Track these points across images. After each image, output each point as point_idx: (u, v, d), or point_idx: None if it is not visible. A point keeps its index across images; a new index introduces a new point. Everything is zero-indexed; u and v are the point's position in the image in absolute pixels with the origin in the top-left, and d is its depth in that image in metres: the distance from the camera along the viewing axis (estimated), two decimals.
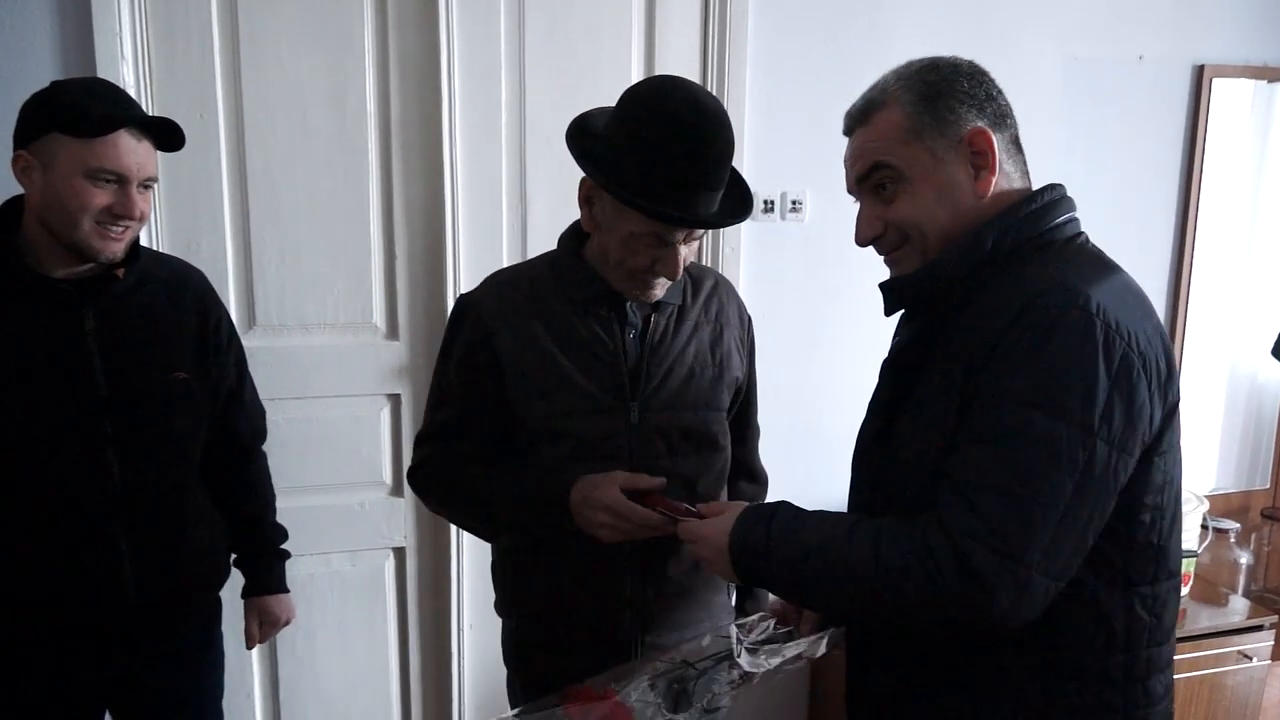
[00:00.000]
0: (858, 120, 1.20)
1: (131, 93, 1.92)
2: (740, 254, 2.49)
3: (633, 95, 1.37)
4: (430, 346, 2.27)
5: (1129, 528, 1.09)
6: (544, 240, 2.15)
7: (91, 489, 1.54)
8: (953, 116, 1.14)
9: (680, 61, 2.40)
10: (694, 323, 1.53)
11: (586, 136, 1.41)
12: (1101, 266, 1.13)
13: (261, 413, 1.86)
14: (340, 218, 2.25)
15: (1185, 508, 2.39)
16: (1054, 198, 1.16)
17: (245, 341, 1.84)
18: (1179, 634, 2.38)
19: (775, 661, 1.30)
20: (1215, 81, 2.86)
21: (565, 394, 1.45)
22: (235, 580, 1.85)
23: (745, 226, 2.48)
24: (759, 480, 1.76)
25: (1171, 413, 1.10)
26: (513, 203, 2.35)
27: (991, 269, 1.12)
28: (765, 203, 2.49)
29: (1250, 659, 2.57)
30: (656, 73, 2.36)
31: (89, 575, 1.56)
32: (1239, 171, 3.00)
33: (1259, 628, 2.59)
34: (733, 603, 1.70)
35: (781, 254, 2.54)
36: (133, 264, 1.56)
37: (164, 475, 1.62)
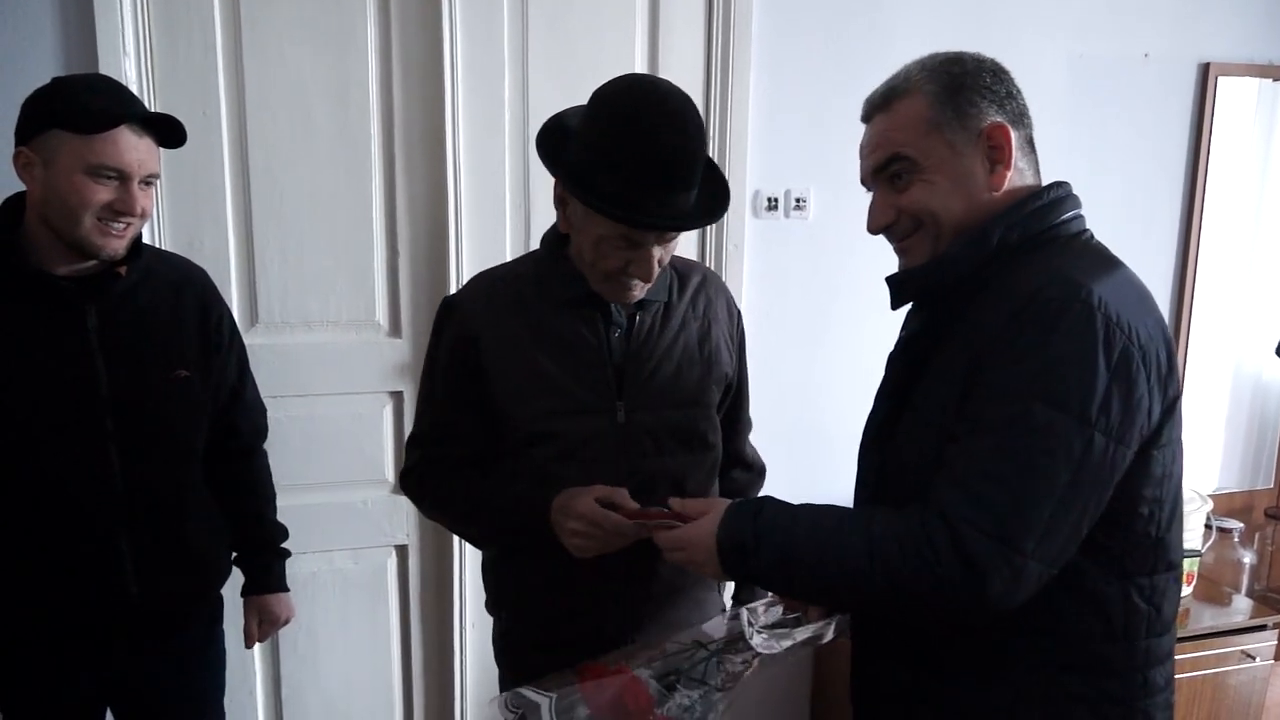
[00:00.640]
0: (878, 106, 1.21)
1: (133, 89, 1.92)
2: (744, 251, 2.49)
3: (599, 96, 1.36)
4: None
5: (1127, 519, 1.11)
6: None
7: (93, 487, 1.53)
8: (974, 110, 1.15)
9: (684, 61, 2.39)
10: (680, 319, 1.52)
11: (559, 137, 1.40)
12: (1104, 262, 1.14)
13: (263, 411, 1.85)
14: (343, 215, 2.24)
15: (1189, 507, 2.40)
16: (1059, 194, 1.17)
17: (247, 339, 1.84)
18: (1182, 633, 2.40)
19: (787, 644, 1.30)
20: (1221, 80, 2.85)
21: (550, 395, 1.45)
22: (237, 578, 1.85)
23: (749, 224, 2.48)
24: (753, 469, 1.75)
25: (1171, 407, 1.11)
26: (516, 200, 2.35)
27: (997, 264, 1.13)
28: (769, 200, 2.49)
29: (1253, 659, 2.56)
30: (660, 71, 2.37)
31: (90, 573, 1.55)
32: (1244, 170, 2.99)
33: (1262, 627, 2.58)
34: (725, 601, 1.69)
35: (785, 251, 2.54)
36: (135, 261, 1.56)
37: (165, 473, 1.62)
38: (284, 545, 1.88)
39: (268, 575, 1.86)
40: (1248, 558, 2.83)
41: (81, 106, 1.43)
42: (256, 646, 1.94)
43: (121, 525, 1.56)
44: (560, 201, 1.41)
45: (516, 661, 1.60)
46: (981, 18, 2.58)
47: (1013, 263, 1.13)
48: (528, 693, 1.31)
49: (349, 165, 2.23)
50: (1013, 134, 1.15)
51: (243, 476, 1.83)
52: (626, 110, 1.31)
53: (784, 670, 2.73)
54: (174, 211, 2.13)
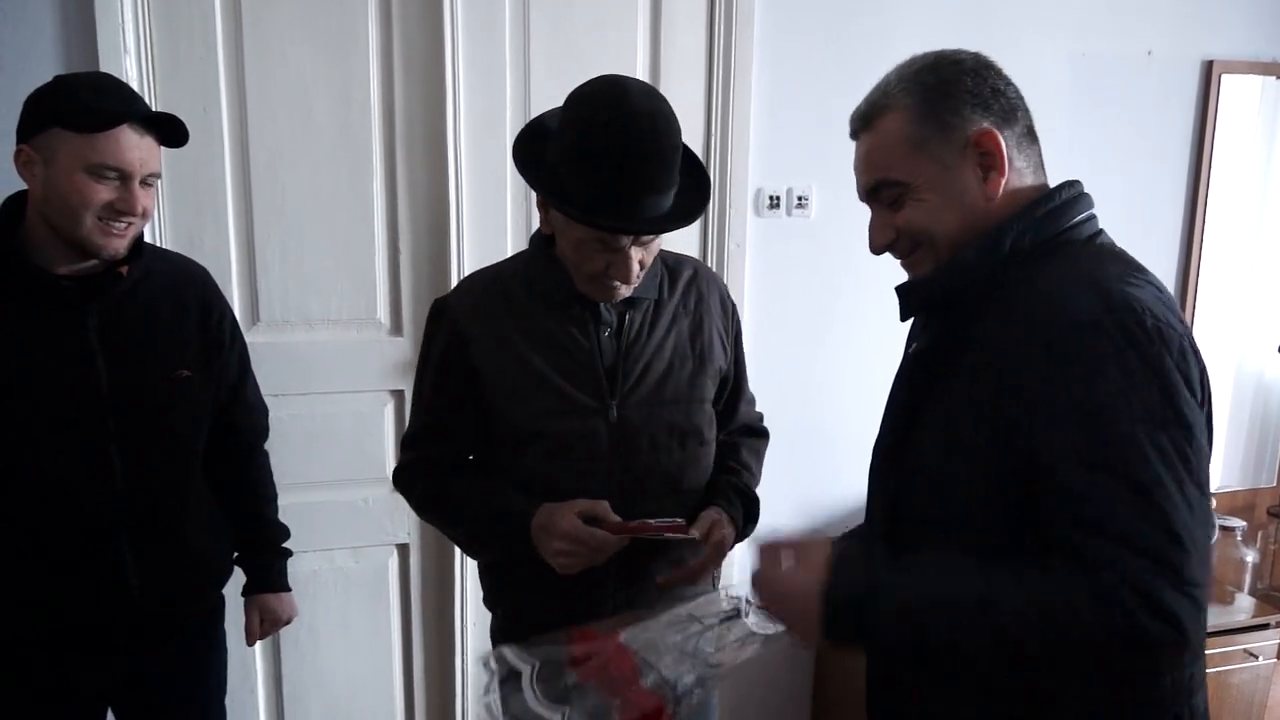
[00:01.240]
0: (862, 124, 1.18)
1: (134, 87, 1.92)
2: (746, 250, 2.48)
3: (573, 98, 1.35)
4: None
5: None
6: None
7: (94, 487, 1.53)
8: (957, 120, 1.11)
9: (686, 59, 2.39)
10: (671, 316, 1.52)
11: (538, 140, 1.39)
12: (1127, 265, 1.10)
13: (264, 411, 1.85)
14: (344, 213, 2.24)
15: None
16: (1071, 195, 1.14)
17: (248, 337, 1.83)
18: None
19: (781, 626, 1.30)
20: (1224, 78, 2.85)
21: (542, 395, 1.45)
22: (238, 577, 1.85)
23: (751, 223, 2.47)
24: (762, 435, 1.71)
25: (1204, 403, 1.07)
26: (517, 199, 2.34)
27: (1010, 270, 1.10)
28: (771, 199, 2.49)
29: (1256, 657, 2.56)
30: (662, 70, 2.37)
31: (91, 573, 1.55)
32: (1247, 169, 2.99)
33: (1265, 626, 2.58)
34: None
35: (787, 250, 2.53)
36: (136, 261, 1.56)
37: (167, 473, 1.62)
38: (285, 545, 1.88)
39: (269, 575, 1.86)
40: (1250, 556, 2.83)
41: (83, 105, 1.43)
42: (258, 645, 1.94)
43: (122, 525, 1.56)
44: (542, 204, 1.41)
45: None
46: (982, 17, 2.58)
47: (1026, 268, 1.09)
48: (511, 657, 1.31)
49: (350, 164, 2.22)
50: (1003, 136, 1.11)
51: (244, 476, 1.83)
52: (594, 114, 1.31)
53: (784, 670, 2.73)
54: (175, 210, 2.13)
